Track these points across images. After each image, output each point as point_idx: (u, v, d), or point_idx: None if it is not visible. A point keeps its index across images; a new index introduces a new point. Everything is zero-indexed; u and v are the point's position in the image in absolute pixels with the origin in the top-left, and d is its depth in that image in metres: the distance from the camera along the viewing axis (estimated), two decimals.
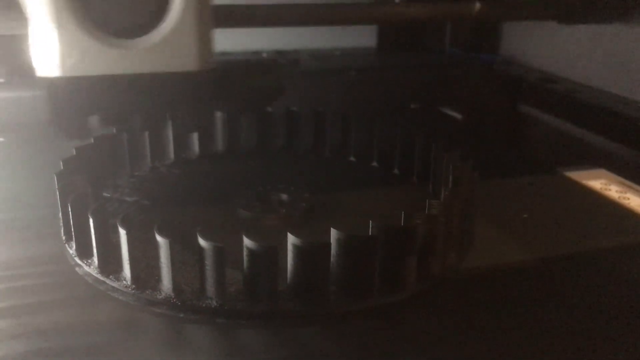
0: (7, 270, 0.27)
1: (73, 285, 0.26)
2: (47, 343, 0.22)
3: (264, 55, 0.64)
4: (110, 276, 0.25)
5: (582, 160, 0.44)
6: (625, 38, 0.52)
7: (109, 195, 0.33)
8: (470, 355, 0.23)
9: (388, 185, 0.37)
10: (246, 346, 0.23)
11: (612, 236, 0.32)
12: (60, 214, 0.29)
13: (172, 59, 0.29)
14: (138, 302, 0.24)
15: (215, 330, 0.23)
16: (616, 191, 0.37)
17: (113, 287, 0.25)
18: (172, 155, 0.39)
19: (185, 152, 0.39)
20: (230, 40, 0.62)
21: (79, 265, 0.27)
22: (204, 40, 0.29)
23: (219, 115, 0.40)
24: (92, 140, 0.33)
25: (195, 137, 0.39)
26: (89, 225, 0.25)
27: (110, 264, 0.26)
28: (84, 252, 0.27)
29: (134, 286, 0.25)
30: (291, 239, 0.23)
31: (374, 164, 0.39)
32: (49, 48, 0.27)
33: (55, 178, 0.28)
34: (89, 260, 0.26)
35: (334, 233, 0.23)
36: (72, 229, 0.27)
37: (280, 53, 0.64)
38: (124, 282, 0.25)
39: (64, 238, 0.29)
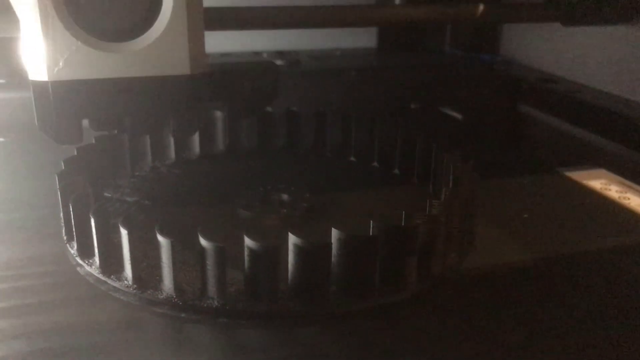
0: (9, 270, 0.27)
1: (74, 285, 0.26)
2: (49, 343, 0.22)
3: (264, 55, 0.64)
4: (112, 276, 0.26)
5: (582, 160, 0.44)
6: (625, 38, 0.52)
7: (109, 195, 0.33)
8: (470, 355, 0.23)
9: (388, 185, 0.37)
10: (247, 346, 0.23)
11: (612, 236, 0.32)
12: (61, 214, 0.29)
13: (164, 62, 0.28)
14: (139, 302, 0.25)
15: (217, 330, 0.23)
16: (616, 191, 0.37)
17: (114, 287, 0.25)
18: (172, 155, 0.39)
19: (185, 153, 0.39)
20: (230, 41, 0.63)
21: (80, 265, 0.27)
22: (196, 44, 0.29)
23: (219, 115, 0.40)
24: (92, 142, 0.33)
25: (195, 137, 0.39)
26: (90, 225, 0.26)
27: (111, 264, 0.26)
28: (85, 252, 0.27)
29: (135, 286, 0.25)
30: (292, 239, 0.23)
31: (375, 164, 0.39)
32: (37, 52, 0.27)
33: (57, 178, 0.28)
34: (90, 260, 0.27)
35: (335, 233, 0.23)
36: (74, 229, 0.27)
37: (280, 53, 0.64)
38: (126, 282, 0.25)
39: (65, 238, 0.29)
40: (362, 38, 0.71)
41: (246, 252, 0.23)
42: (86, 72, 0.28)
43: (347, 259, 0.24)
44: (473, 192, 0.29)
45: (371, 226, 0.24)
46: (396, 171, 0.38)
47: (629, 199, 0.36)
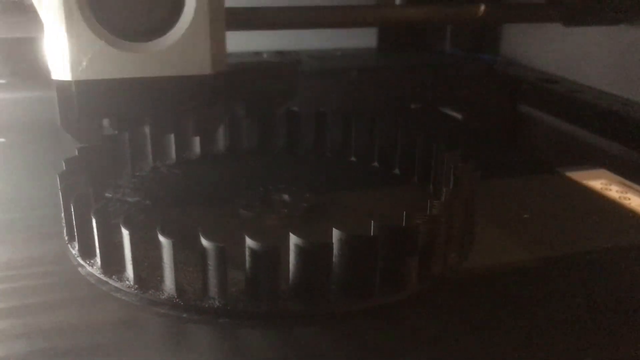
0: (10, 271, 0.27)
1: (75, 286, 0.26)
2: (50, 343, 0.22)
3: (264, 55, 0.64)
4: (113, 276, 0.26)
5: (582, 160, 0.44)
6: (625, 38, 0.52)
7: (110, 195, 0.33)
8: (471, 355, 0.23)
9: (389, 185, 0.37)
10: (248, 346, 0.23)
11: (612, 236, 0.32)
12: (62, 214, 0.29)
13: (186, 62, 0.28)
14: (140, 303, 0.25)
15: (218, 330, 0.23)
16: (616, 191, 0.37)
17: (116, 287, 0.25)
18: (173, 155, 0.39)
19: (186, 153, 0.39)
20: (231, 41, 0.62)
21: (82, 266, 0.27)
22: (218, 43, 0.29)
23: (220, 115, 0.40)
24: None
25: (196, 137, 0.39)
26: (92, 225, 0.26)
27: (112, 264, 0.26)
28: (87, 252, 0.27)
29: (136, 286, 0.25)
30: (293, 239, 0.23)
31: (375, 164, 0.39)
32: (61, 51, 0.27)
33: (58, 178, 0.28)
34: (92, 261, 0.27)
35: (335, 233, 0.24)
36: (75, 229, 0.27)
37: (280, 53, 0.64)
38: (127, 282, 0.25)
39: (66, 238, 0.29)
40: (362, 38, 0.71)
41: (247, 252, 0.23)
42: (109, 71, 0.28)
43: (347, 259, 0.24)
44: (473, 192, 0.29)
45: (372, 226, 0.24)
46: (396, 171, 0.38)
47: (629, 199, 0.36)
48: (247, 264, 0.23)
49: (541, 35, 0.62)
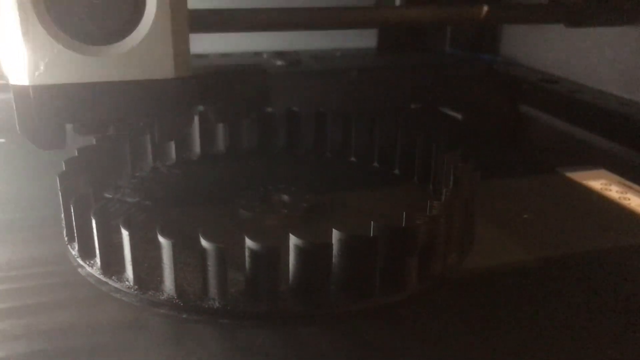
0: (10, 271, 0.27)
1: (75, 286, 0.26)
2: (49, 344, 0.22)
3: (264, 55, 0.64)
4: (113, 277, 0.26)
5: (582, 160, 0.44)
6: (625, 38, 0.52)
7: (110, 196, 0.33)
8: (471, 355, 0.23)
9: (389, 185, 0.37)
10: (248, 346, 0.23)
11: (612, 236, 0.32)
12: (62, 215, 0.29)
13: (147, 66, 0.28)
14: (140, 303, 0.25)
15: (218, 331, 0.23)
16: (616, 191, 0.37)
17: (115, 287, 0.25)
18: (173, 156, 0.39)
19: (186, 153, 0.39)
20: (231, 41, 0.63)
21: (82, 266, 0.27)
22: (180, 47, 0.28)
23: (220, 115, 0.40)
24: (93, 143, 0.33)
25: (196, 137, 0.39)
26: (92, 226, 0.26)
27: (112, 264, 0.26)
28: (87, 253, 0.27)
29: (136, 287, 0.25)
30: (293, 239, 0.23)
31: (375, 164, 0.39)
32: (17, 55, 0.26)
33: (58, 179, 0.28)
34: (92, 261, 0.27)
35: (335, 233, 0.24)
36: (75, 230, 0.27)
37: (281, 54, 0.64)
38: (127, 283, 0.25)
39: (66, 239, 0.29)
40: (363, 38, 0.71)
41: (247, 253, 0.23)
42: (68, 76, 0.27)
43: (347, 259, 0.24)
44: (473, 192, 0.29)
45: (371, 226, 0.24)
46: (396, 171, 0.38)
47: (629, 199, 0.36)
48: (247, 265, 0.23)
49: (541, 35, 0.62)
